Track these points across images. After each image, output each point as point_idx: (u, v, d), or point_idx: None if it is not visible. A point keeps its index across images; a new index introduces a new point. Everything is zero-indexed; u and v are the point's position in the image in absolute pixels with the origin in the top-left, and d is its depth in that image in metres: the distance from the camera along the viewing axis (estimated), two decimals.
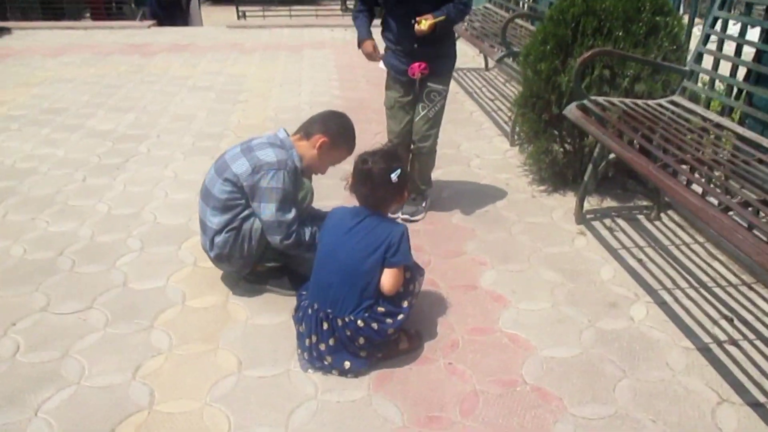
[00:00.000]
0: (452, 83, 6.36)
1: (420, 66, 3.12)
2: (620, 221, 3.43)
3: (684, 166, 2.41)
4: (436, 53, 3.13)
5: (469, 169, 4.14)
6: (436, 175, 3.99)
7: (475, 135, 4.76)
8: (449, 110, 5.52)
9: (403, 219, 3.38)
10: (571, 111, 3.08)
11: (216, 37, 8.57)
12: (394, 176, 2.22)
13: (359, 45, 3.22)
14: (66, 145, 4.54)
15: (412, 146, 3.35)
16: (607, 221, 3.42)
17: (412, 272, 2.32)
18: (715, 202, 2.22)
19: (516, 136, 4.39)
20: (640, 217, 3.48)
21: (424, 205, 3.49)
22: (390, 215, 2.41)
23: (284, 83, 6.18)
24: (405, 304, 2.28)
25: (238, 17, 10.56)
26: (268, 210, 2.48)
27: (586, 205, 3.49)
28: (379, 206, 2.29)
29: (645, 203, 3.60)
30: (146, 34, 8.74)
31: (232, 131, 4.81)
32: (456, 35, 3.28)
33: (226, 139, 4.63)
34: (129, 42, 8.10)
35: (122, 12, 12.62)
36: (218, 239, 2.57)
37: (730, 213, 2.06)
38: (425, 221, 3.42)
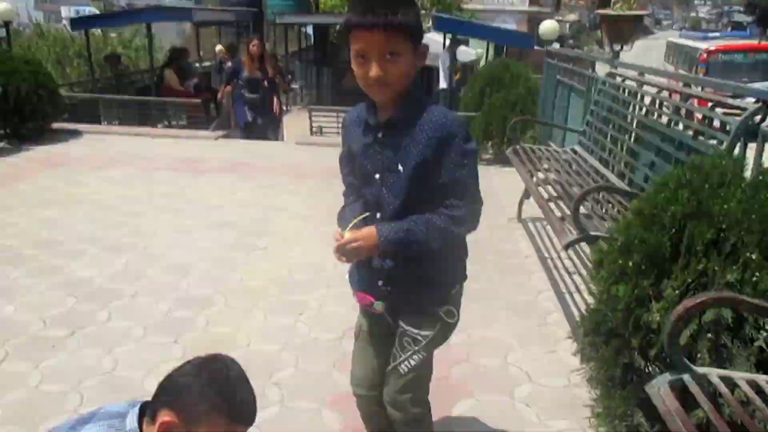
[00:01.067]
0: (525, 243, 5.15)
1: (363, 298, 1.97)
2: None
3: None
4: (412, 276, 1.90)
5: (511, 402, 2.86)
6: (462, 408, 2.79)
7: (534, 335, 3.47)
8: (508, 290, 4.21)
9: None
10: (660, 393, 1.80)
11: (278, 155, 7.89)
12: None
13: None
14: (25, 297, 3.72)
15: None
16: None
17: None
18: None
19: (585, 354, 3.07)
20: None
21: None
22: None
23: (322, 224, 5.21)
24: None
25: (312, 132, 9.98)
26: None
27: None
28: None
29: None
30: (209, 146, 8.22)
31: (225, 297, 3.82)
32: (465, 252, 2.04)
33: (210, 310, 3.64)
34: (186, 156, 7.55)
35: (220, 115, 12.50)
36: None
37: None
38: None
